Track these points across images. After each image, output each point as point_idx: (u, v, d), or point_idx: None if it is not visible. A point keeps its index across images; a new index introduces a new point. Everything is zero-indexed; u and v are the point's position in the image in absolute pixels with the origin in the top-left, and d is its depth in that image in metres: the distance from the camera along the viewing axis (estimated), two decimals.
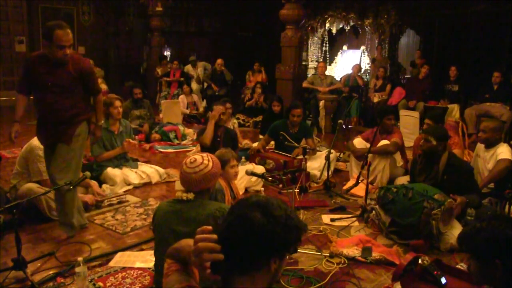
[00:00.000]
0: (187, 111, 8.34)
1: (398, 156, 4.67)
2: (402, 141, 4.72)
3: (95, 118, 3.41)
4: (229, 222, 1.12)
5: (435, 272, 2.41)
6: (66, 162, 3.24)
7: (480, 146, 4.20)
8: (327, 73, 8.60)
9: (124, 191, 4.41)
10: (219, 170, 2.34)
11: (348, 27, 10.45)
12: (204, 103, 8.97)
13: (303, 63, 10.08)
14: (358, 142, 4.83)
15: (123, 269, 2.91)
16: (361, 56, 11.64)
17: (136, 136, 6.39)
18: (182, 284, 1.23)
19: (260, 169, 4.58)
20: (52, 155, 3.25)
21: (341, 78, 8.95)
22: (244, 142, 5.90)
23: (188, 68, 10.37)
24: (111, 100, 4.63)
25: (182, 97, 8.47)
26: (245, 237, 1.09)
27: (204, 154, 2.35)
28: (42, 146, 3.72)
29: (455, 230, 3.23)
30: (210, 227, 1.15)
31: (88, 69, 3.24)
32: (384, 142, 4.61)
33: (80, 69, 3.14)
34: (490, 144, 3.94)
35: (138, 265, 2.95)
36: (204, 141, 4.32)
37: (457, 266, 2.73)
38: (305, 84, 8.05)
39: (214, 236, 1.11)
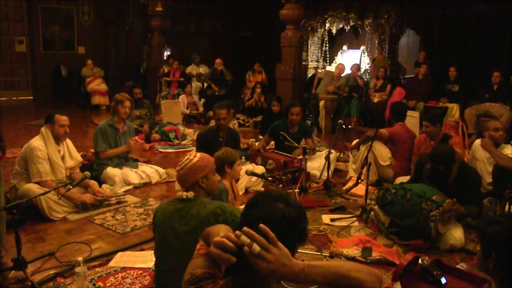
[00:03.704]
0: (187, 111, 8.34)
1: (382, 151, 4.60)
2: (393, 135, 4.62)
3: None
4: (258, 215, 1.17)
5: (435, 272, 2.41)
6: None
7: (477, 148, 4.19)
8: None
9: (124, 191, 4.40)
10: (207, 165, 2.29)
11: (348, 27, 10.45)
12: (201, 102, 8.99)
13: (303, 63, 10.09)
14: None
15: (123, 269, 2.90)
16: (361, 56, 11.64)
17: (136, 136, 6.40)
18: (202, 270, 1.26)
19: (260, 169, 4.58)
20: None
21: None
22: (251, 140, 5.89)
23: (192, 67, 10.47)
24: (122, 98, 4.61)
25: (182, 97, 8.47)
26: (277, 227, 1.14)
27: (194, 152, 2.37)
28: (41, 147, 3.73)
29: (455, 230, 3.23)
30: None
31: None
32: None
33: None
34: (497, 144, 3.95)
35: (138, 265, 2.95)
36: None
37: (457, 266, 2.73)
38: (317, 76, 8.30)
39: (231, 245, 1.13)
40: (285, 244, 1.15)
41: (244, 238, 1.09)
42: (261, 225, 1.11)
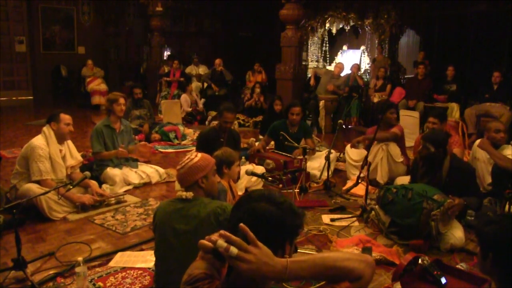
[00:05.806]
0: (190, 109, 8.35)
1: (397, 150, 4.66)
2: (402, 134, 4.76)
3: None
4: (240, 217, 1.17)
5: (435, 272, 2.41)
6: None
7: (478, 148, 4.19)
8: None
9: (124, 191, 4.40)
10: (207, 165, 2.30)
11: (348, 27, 10.46)
12: (202, 102, 9.00)
13: (303, 63, 10.10)
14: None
15: (123, 269, 2.90)
16: (361, 56, 11.65)
17: (136, 136, 6.39)
18: (199, 271, 1.27)
19: (260, 169, 4.58)
20: None
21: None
22: (251, 140, 5.89)
23: (191, 68, 10.50)
24: (116, 97, 4.60)
25: (185, 95, 8.48)
26: (259, 226, 1.14)
27: (195, 152, 2.39)
28: (43, 146, 3.74)
29: (455, 230, 3.23)
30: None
31: None
32: None
33: None
34: (497, 145, 3.95)
35: (138, 265, 2.95)
36: None
37: (457, 266, 2.73)
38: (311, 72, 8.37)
39: (210, 245, 1.11)
40: (272, 243, 1.13)
41: (220, 242, 1.07)
42: (241, 224, 1.10)
